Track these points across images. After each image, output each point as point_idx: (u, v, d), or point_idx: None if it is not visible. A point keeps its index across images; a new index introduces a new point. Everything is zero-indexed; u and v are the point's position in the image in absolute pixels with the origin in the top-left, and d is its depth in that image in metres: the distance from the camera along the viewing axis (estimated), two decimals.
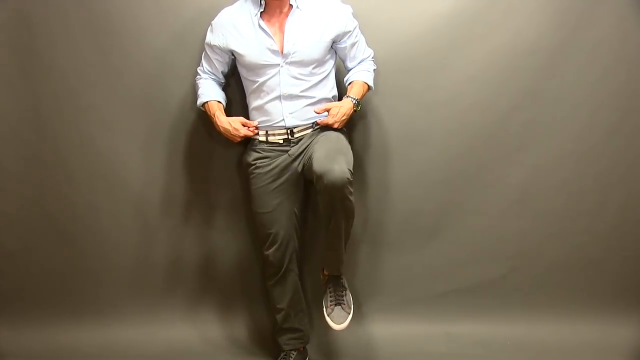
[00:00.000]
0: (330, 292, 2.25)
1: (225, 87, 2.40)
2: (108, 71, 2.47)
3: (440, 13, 2.42)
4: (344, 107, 2.20)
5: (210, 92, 2.32)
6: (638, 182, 2.51)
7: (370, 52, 2.34)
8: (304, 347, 2.46)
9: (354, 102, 2.23)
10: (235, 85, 2.41)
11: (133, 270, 2.61)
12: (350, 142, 2.43)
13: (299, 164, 2.26)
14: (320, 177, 1.98)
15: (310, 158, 2.14)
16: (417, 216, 2.56)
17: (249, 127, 2.26)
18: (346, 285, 2.28)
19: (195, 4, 2.43)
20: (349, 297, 2.26)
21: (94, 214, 2.57)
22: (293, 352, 2.41)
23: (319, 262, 2.50)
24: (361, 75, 2.29)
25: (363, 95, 2.28)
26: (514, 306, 2.58)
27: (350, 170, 2.01)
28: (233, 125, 2.24)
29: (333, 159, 2.01)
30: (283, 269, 2.35)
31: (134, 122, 2.51)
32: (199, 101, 2.32)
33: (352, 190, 2.02)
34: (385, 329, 2.55)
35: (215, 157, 2.52)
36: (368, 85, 2.30)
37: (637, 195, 2.52)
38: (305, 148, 2.23)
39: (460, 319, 2.58)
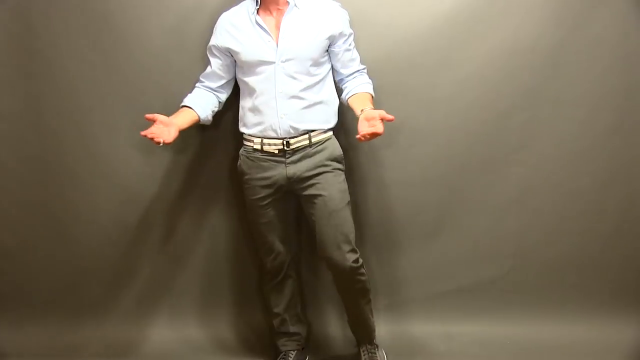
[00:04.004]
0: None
1: (221, 112, 2.37)
2: (109, 71, 2.48)
3: (439, 12, 2.42)
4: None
5: (189, 99, 2.28)
6: (638, 182, 2.51)
7: (364, 66, 2.31)
8: (302, 347, 2.46)
9: None
10: (233, 93, 2.38)
11: (133, 270, 2.61)
12: (349, 141, 2.42)
13: (296, 188, 2.22)
14: (328, 264, 2.17)
15: (312, 211, 2.18)
16: (417, 216, 2.56)
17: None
18: (377, 344, 2.38)
19: (198, 4, 2.42)
20: (382, 353, 2.37)
21: (95, 213, 2.57)
22: (292, 352, 2.41)
23: (314, 266, 2.55)
24: (365, 87, 2.25)
25: None
26: (514, 306, 2.58)
27: (355, 251, 2.16)
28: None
29: (337, 245, 2.13)
30: (281, 276, 2.37)
31: (135, 123, 2.50)
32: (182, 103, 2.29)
33: (362, 270, 2.18)
34: (385, 329, 2.54)
35: (214, 158, 2.53)
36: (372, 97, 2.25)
37: (637, 194, 2.52)
38: (306, 181, 2.19)
39: (460, 319, 2.58)
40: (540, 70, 2.45)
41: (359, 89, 2.23)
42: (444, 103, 2.48)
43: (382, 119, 1.96)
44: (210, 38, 2.32)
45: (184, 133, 2.49)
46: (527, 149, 2.50)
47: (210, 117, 2.32)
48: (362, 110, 2.04)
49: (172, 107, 2.46)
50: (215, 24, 2.28)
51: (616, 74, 2.44)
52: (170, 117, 2.17)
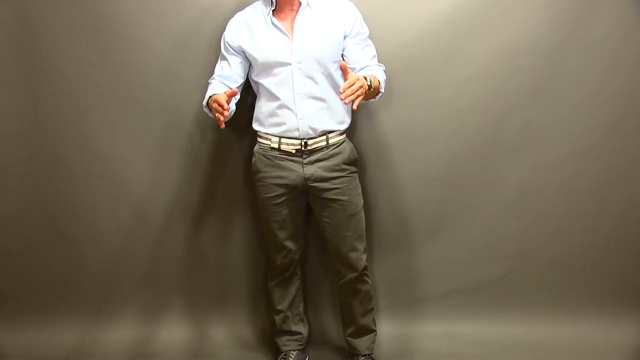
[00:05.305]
0: None
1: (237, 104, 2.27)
2: (108, 71, 2.47)
3: (440, 13, 2.42)
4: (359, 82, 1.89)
5: (217, 90, 2.15)
6: (638, 182, 2.51)
7: (382, 65, 2.25)
8: (303, 347, 2.46)
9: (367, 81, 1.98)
10: (245, 91, 2.35)
11: (133, 270, 2.61)
12: (349, 141, 2.42)
13: (314, 190, 2.20)
14: (342, 266, 2.26)
15: (325, 217, 2.23)
16: (417, 216, 2.56)
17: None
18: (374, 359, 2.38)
19: (197, 5, 2.42)
20: None
21: (94, 214, 2.57)
22: (292, 352, 2.42)
23: (316, 265, 2.54)
24: (373, 71, 2.14)
25: (373, 87, 2.04)
26: (514, 306, 2.59)
27: (366, 251, 2.28)
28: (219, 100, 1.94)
29: (353, 246, 2.24)
30: (289, 272, 2.39)
31: (134, 123, 2.51)
32: (204, 101, 2.19)
33: (367, 272, 2.31)
34: (386, 329, 2.55)
35: (214, 155, 2.52)
36: (379, 84, 2.11)
37: (637, 195, 2.52)
38: (324, 183, 2.18)
39: (460, 319, 2.58)
40: (541, 71, 2.44)
41: (365, 71, 2.14)
42: (445, 104, 2.48)
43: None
44: (209, 38, 2.30)
45: (185, 131, 2.50)
46: (527, 149, 2.50)
47: (232, 112, 2.18)
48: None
49: (171, 107, 2.48)
50: (227, 23, 2.23)
51: (617, 74, 2.44)
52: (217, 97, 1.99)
